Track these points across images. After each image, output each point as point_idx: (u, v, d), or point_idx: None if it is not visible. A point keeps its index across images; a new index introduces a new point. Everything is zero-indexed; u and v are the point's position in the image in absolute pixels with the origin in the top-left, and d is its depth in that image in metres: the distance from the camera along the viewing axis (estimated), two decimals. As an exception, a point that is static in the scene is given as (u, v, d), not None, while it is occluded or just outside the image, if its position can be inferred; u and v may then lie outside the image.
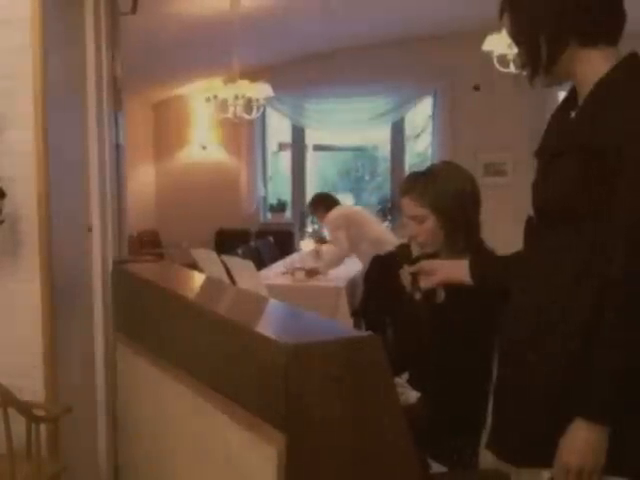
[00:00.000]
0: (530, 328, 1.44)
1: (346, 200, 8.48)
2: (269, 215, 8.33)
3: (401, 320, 2.18)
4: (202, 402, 1.72)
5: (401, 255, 1.91)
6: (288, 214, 8.27)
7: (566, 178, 1.39)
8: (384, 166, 8.46)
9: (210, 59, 6.70)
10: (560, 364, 1.38)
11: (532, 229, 1.53)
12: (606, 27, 1.42)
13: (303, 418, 1.36)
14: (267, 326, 1.67)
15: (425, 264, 1.79)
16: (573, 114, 1.47)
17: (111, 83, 2.69)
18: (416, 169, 2.14)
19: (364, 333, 1.46)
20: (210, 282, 2.18)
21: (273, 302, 1.81)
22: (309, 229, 7.71)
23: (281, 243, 7.42)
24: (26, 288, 2.36)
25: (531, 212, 1.92)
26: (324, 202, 5.46)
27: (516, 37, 1.49)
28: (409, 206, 2.00)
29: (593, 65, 1.40)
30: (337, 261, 5.26)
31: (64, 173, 2.47)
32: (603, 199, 1.34)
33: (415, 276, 1.79)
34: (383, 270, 2.19)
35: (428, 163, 5.62)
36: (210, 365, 1.72)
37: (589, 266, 1.36)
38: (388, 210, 7.88)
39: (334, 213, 5.28)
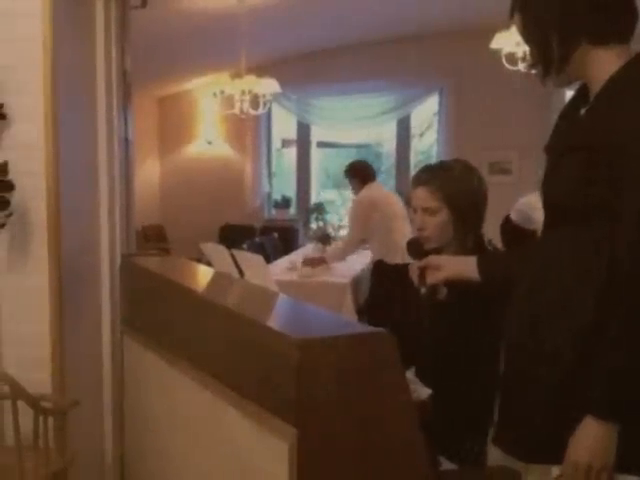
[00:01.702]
0: (537, 325, 1.44)
1: (350, 197, 8.49)
2: (273, 211, 8.33)
3: (406, 318, 2.18)
4: (211, 396, 1.72)
5: (411, 249, 1.91)
6: (292, 210, 8.27)
7: (574, 176, 1.38)
8: (388, 163, 8.45)
9: (217, 54, 6.70)
10: (568, 361, 1.37)
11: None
12: (618, 26, 1.41)
13: (314, 413, 1.36)
14: (278, 321, 1.67)
15: (432, 259, 1.79)
16: (583, 111, 1.47)
17: (121, 77, 2.69)
18: (424, 164, 2.14)
19: (375, 329, 1.46)
20: (220, 276, 2.18)
21: (283, 297, 1.81)
22: (313, 226, 7.70)
23: (285, 239, 7.43)
24: (35, 281, 2.36)
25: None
26: (361, 173, 4.93)
27: (527, 36, 1.49)
28: (424, 197, 1.99)
29: (605, 64, 1.40)
30: (342, 254, 5.01)
31: (73, 167, 2.47)
32: (610, 198, 1.33)
33: (423, 271, 1.79)
34: (388, 283, 2.17)
35: (433, 161, 5.57)
36: (219, 359, 1.72)
37: (593, 265, 1.36)
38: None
39: (365, 193, 4.82)
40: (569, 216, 1.42)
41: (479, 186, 2.01)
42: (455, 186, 1.96)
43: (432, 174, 2.02)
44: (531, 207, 1.87)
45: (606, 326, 1.32)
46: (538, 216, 1.81)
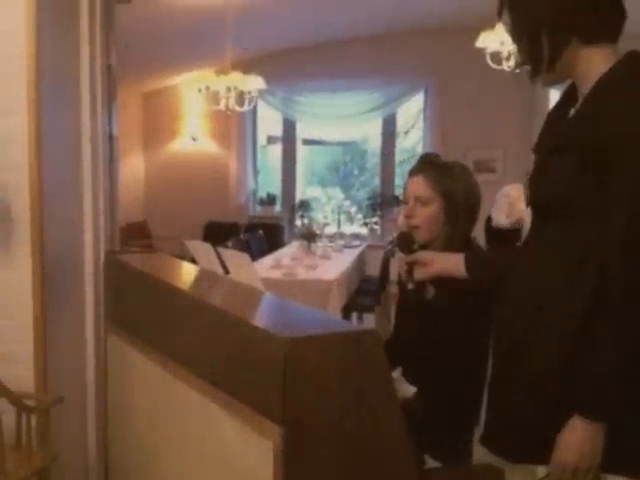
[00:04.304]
0: (526, 325, 1.44)
1: (335, 194, 8.49)
2: (258, 208, 8.31)
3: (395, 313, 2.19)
4: (196, 394, 1.71)
5: (401, 243, 1.90)
6: (277, 208, 8.25)
7: (564, 175, 1.39)
8: (373, 161, 8.46)
9: (202, 50, 6.67)
10: (556, 361, 1.38)
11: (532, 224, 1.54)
12: (607, 24, 1.42)
13: (300, 412, 1.36)
14: (265, 319, 1.66)
15: (421, 254, 1.79)
16: (572, 111, 1.47)
17: (105, 72, 2.66)
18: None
19: (363, 327, 1.45)
20: (205, 274, 2.16)
21: (270, 295, 1.80)
22: (298, 223, 7.70)
23: (270, 237, 7.41)
24: (18, 277, 2.33)
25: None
26: None
27: (516, 35, 1.48)
28: (420, 185, 1.98)
29: (594, 63, 1.40)
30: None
31: (56, 162, 2.44)
32: (600, 197, 1.34)
33: (411, 266, 1.78)
34: None
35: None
36: (205, 357, 1.70)
37: (584, 264, 1.37)
38: (378, 205, 7.88)
39: None
40: (557, 217, 1.42)
41: (474, 187, 2.02)
42: (452, 180, 1.97)
43: (431, 165, 2.02)
44: (510, 201, 1.87)
45: (595, 328, 1.32)
46: (519, 208, 1.81)
